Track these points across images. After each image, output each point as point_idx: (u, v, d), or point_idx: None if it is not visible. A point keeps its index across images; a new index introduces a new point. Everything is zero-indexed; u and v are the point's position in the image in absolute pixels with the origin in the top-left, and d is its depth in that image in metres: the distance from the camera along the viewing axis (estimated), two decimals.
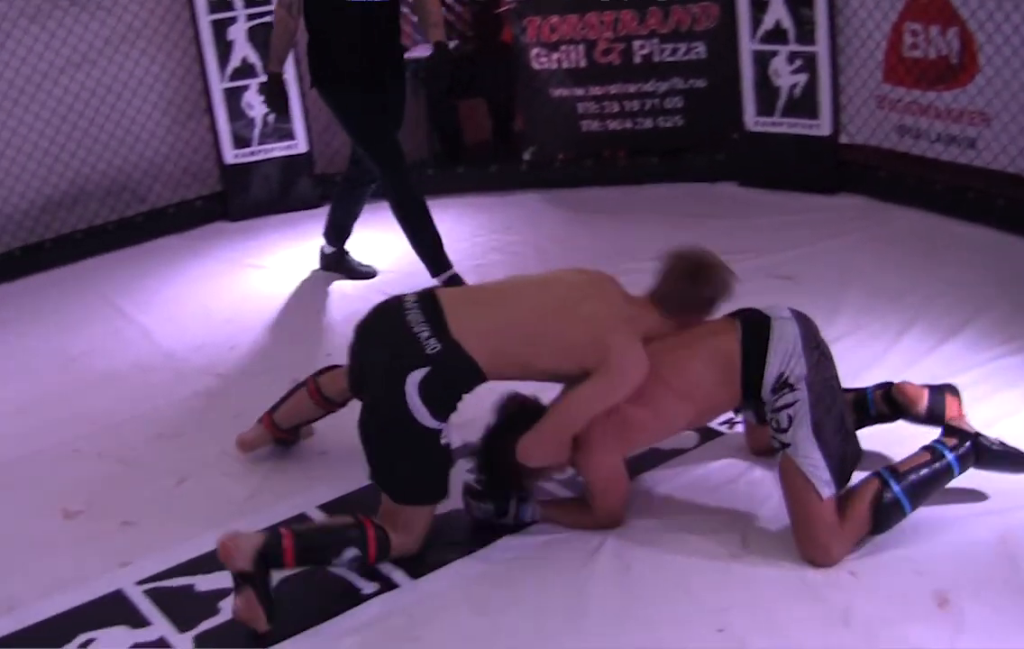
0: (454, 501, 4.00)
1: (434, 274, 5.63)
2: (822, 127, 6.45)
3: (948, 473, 3.60)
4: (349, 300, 5.78)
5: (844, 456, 3.55)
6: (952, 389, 3.89)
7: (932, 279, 5.29)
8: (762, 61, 6.51)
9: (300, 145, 7.14)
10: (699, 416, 3.83)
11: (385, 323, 3.82)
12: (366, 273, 6.04)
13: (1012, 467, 3.67)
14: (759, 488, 3.89)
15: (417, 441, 3.68)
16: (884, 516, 3.51)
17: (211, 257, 5.74)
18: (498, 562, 3.73)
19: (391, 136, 5.56)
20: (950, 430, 3.70)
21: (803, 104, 6.46)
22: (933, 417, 3.81)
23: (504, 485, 3.81)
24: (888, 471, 3.56)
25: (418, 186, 5.67)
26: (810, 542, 3.50)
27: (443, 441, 3.71)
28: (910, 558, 3.50)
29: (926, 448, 3.64)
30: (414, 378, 3.60)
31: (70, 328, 5.81)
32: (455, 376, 3.69)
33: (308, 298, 5.89)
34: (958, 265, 5.42)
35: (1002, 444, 3.69)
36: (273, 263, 6.13)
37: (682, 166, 6.96)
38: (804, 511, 3.50)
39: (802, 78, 6.44)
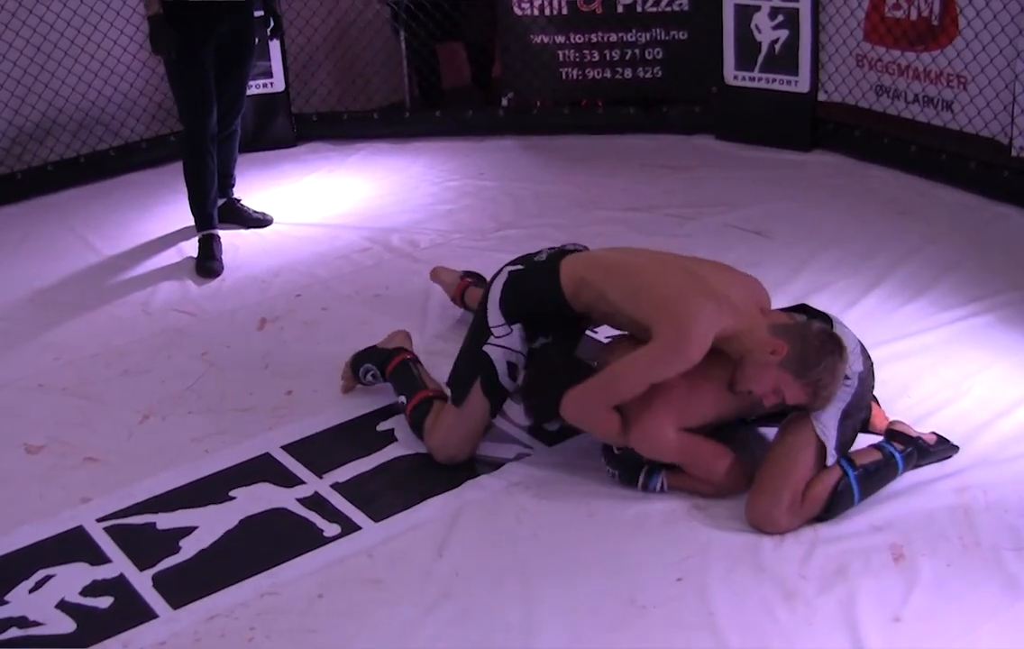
0: (419, 444, 4.03)
1: (197, 229, 5.64)
2: (801, 84, 6.43)
3: (894, 472, 3.65)
4: (315, 242, 5.78)
5: (845, 447, 3.62)
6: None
7: (903, 238, 5.31)
8: (744, 15, 6.48)
9: (277, 83, 7.08)
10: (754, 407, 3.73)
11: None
12: (260, 219, 6.02)
13: (945, 455, 3.76)
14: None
15: (475, 337, 3.90)
16: (837, 502, 3.53)
17: (184, 194, 5.68)
18: (460, 507, 3.74)
19: (200, 82, 5.42)
20: (894, 435, 3.74)
21: (783, 60, 6.44)
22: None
23: (546, 414, 3.80)
24: (845, 460, 3.58)
25: (207, 140, 5.53)
26: (768, 501, 3.51)
27: (492, 346, 3.84)
28: (869, 515, 3.54)
29: (876, 447, 3.68)
30: (510, 271, 3.90)
31: (38, 261, 5.76)
32: (539, 284, 3.83)
33: (278, 238, 5.86)
34: (929, 225, 5.44)
35: (936, 436, 3.78)
36: (247, 202, 6.08)
37: (660, 117, 6.93)
38: (788, 462, 3.52)
39: (784, 34, 6.42)
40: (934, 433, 3.79)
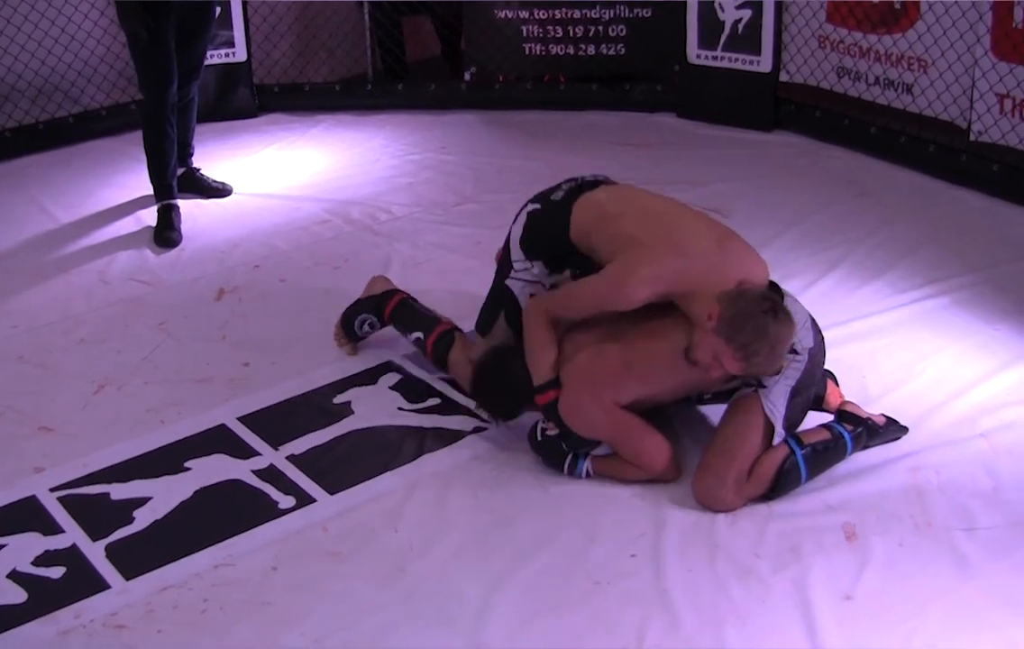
0: (376, 417, 4.02)
1: (156, 199, 5.61)
2: (763, 64, 6.45)
3: (843, 452, 3.67)
4: (274, 213, 5.75)
5: (793, 424, 3.63)
6: (831, 374, 3.94)
7: (861, 220, 5.35)
8: None
9: (239, 53, 7.03)
10: (698, 383, 3.64)
11: None
12: (220, 189, 5.99)
13: (894, 436, 3.78)
14: (676, 421, 3.94)
15: (499, 271, 4.06)
16: (784, 481, 3.54)
17: (143, 163, 5.63)
18: (418, 479, 3.74)
19: (161, 53, 5.37)
20: (845, 415, 3.76)
21: (746, 40, 6.46)
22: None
23: (501, 406, 3.84)
24: (793, 439, 3.59)
25: (167, 111, 5.49)
26: (715, 479, 3.52)
27: (513, 280, 3.99)
28: (822, 495, 3.57)
29: (825, 426, 3.70)
30: (528, 212, 3.99)
31: None
32: (551, 222, 3.91)
33: (237, 209, 5.83)
34: (887, 208, 5.47)
35: (885, 417, 3.80)
36: (208, 172, 6.04)
37: (622, 94, 6.94)
38: (736, 441, 3.53)
39: (747, 14, 6.43)
40: (883, 415, 3.81)
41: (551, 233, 3.92)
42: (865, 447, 3.71)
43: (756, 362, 3.39)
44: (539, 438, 3.73)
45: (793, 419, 3.60)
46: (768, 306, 3.39)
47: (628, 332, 3.65)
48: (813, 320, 3.68)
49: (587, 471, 3.68)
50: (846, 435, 3.66)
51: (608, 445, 3.67)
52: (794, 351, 3.52)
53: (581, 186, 3.97)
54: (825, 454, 3.62)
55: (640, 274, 3.56)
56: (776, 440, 3.54)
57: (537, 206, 3.99)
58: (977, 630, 3.05)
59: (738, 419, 3.57)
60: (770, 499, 3.54)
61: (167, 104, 5.48)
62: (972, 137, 5.63)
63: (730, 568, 3.29)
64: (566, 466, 3.70)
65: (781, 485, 3.54)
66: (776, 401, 3.53)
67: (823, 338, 3.72)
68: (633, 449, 3.63)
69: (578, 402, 3.62)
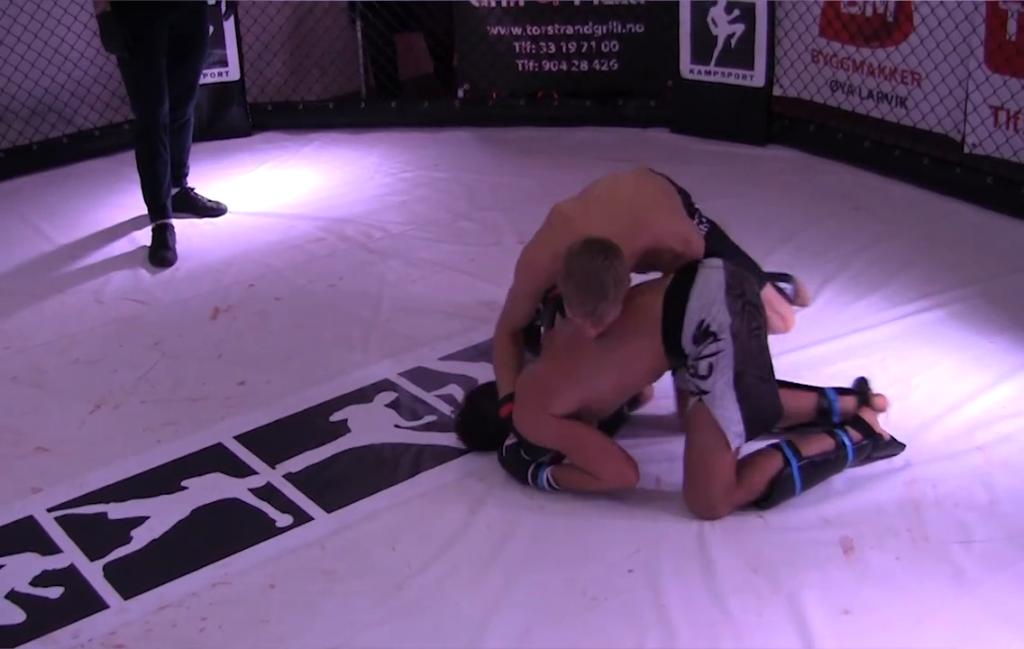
0: (372, 435, 4.02)
1: (151, 218, 5.61)
2: (756, 78, 6.46)
3: (843, 464, 3.64)
4: (268, 232, 5.75)
5: (762, 408, 3.54)
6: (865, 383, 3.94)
7: (855, 234, 5.35)
8: (701, 9, 6.50)
9: (232, 72, 7.04)
10: (626, 378, 3.67)
11: None
12: (214, 208, 5.99)
13: (892, 452, 3.76)
14: (674, 439, 3.94)
15: None
16: (777, 492, 3.54)
17: (137, 183, 5.63)
18: (414, 497, 3.74)
19: (151, 73, 5.38)
20: (859, 423, 3.73)
21: (739, 54, 6.47)
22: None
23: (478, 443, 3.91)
24: (790, 449, 3.57)
25: (159, 130, 5.49)
26: (702, 497, 3.53)
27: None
28: (819, 508, 3.57)
29: (830, 434, 3.67)
30: None
31: None
32: None
33: (232, 228, 5.83)
34: (881, 222, 5.48)
35: (892, 438, 3.76)
36: (201, 191, 6.04)
37: (615, 110, 6.95)
38: (706, 465, 3.51)
39: (739, 28, 6.44)
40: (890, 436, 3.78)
41: None
42: (866, 461, 3.70)
43: (575, 305, 3.46)
44: (503, 453, 3.77)
45: (754, 399, 3.49)
46: (579, 247, 3.46)
47: (570, 344, 3.68)
48: (730, 289, 3.50)
49: (548, 481, 3.69)
50: (849, 446, 3.64)
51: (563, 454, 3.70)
52: (713, 335, 3.45)
53: None
54: (824, 466, 3.61)
55: (530, 248, 3.86)
56: (732, 445, 3.47)
57: None
58: (974, 644, 3.05)
59: (699, 438, 3.53)
60: (763, 508, 3.54)
61: (158, 123, 5.48)
62: (966, 150, 5.64)
63: (727, 583, 3.29)
64: (529, 476, 3.71)
65: (774, 495, 3.54)
66: (724, 402, 3.45)
67: (749, 300, 3.53)
68: (583, 457, 3.65)
69: (524, 412, 3.67)
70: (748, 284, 3.58)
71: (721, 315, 3.47)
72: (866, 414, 3.78)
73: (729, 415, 3.47)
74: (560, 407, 3.61)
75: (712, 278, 3.53)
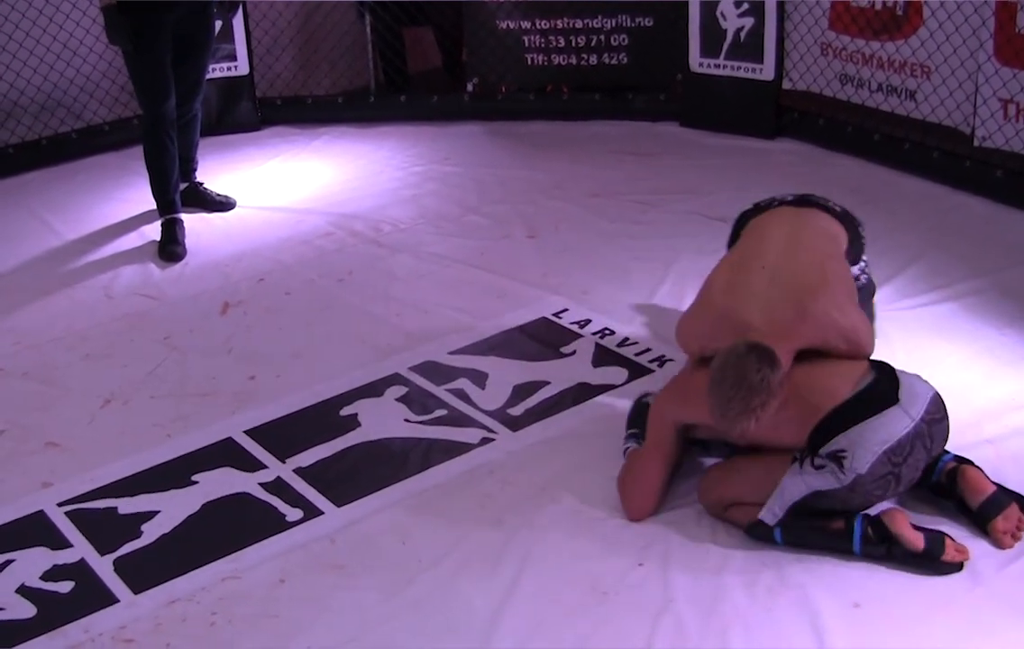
0: (383, 430, 4.02)
1: (159, 213, 5.62)
2: (766, 72, 6.44)
3: (842, 549, 3.34)
4: (278, 226, 5.75)
5: (799, 531, 3.36)
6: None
7: (865, 228, 5.30)
8: (710, 3, 6.49)
9: (241, 67, 7.04)
10: (754, 438, 3.40)
11: None
12: (223, 203, 5.99)
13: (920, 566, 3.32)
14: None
15: None
16: (754, 531, 3.39)
17: (146, 178, 5.64)
18: (424, 491, 3.74)
19: (156, 67, 5.39)
20: (878, 524, 3.32)
21: (748, 48, 6.45)
22: (980, 518, 3.39)
23: None
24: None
25: (166, 125, 5.51)
26: (706, 488, 3.53)
27: None
28: None
29: (846, 518, 3.34)
30: None
31: None
32: None
33: (241, 223, 5.83)
34: (892, 215, 5.46)
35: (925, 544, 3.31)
36: (210, 186, 6.05)
37: (625, 104, 6.94)
38: (739, 476, 3.46)
39: (749, 22, 6.43)
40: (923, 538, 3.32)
41: None
42: (883, 558, 3.34)
43: (713, 406, 3.28)
44: (641, 398, 3.87)
45: (805, 525, 3.35)
46: (736, 347, 3.29)
47: None
48: (893, 451, 3.27)
49: (625, 450, 3.73)
50: (856, 538, 3.31)
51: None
52: (838, 460, 3.26)
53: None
54: (815, 534, 3.37)
55: (681, 327, 3.81)
56: (765, 515, 3.34)
57: None
58: (984, 636, 3.05)
59: (759, 461, 3.43)
60: (748, 532, 3.42)
61: (165, 117, 5.48)
62: (976, 143, 5.62)
63: (737, 577, 3.29)
64: (627, 431, 3.81)
65: (753, 533, 3.40)
66: (790, 489, 3.32)
67: (896, 474, 3.30)
68: (633, 465, 3.62)
69: (665, 393, 3.69)
70: (915, 454, 3.33)
71: (860, 462, 3.27)
72: (897, 517, 3.33)
73: (784, 497, 3.34)
74: (686, 415, 3.54)
75: (892, 425, 3.30)
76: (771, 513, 3.34)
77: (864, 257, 4.14)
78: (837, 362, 3.45)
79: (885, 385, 3.38)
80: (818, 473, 3.29)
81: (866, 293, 4.14)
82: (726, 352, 3.31)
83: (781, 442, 3.38)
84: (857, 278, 3.99)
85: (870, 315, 4.04)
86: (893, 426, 3.29)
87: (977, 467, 3.46)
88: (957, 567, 3.25)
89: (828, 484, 3.28)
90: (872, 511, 3.36)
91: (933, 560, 3.25)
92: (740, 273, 3.68)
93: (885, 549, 3.28)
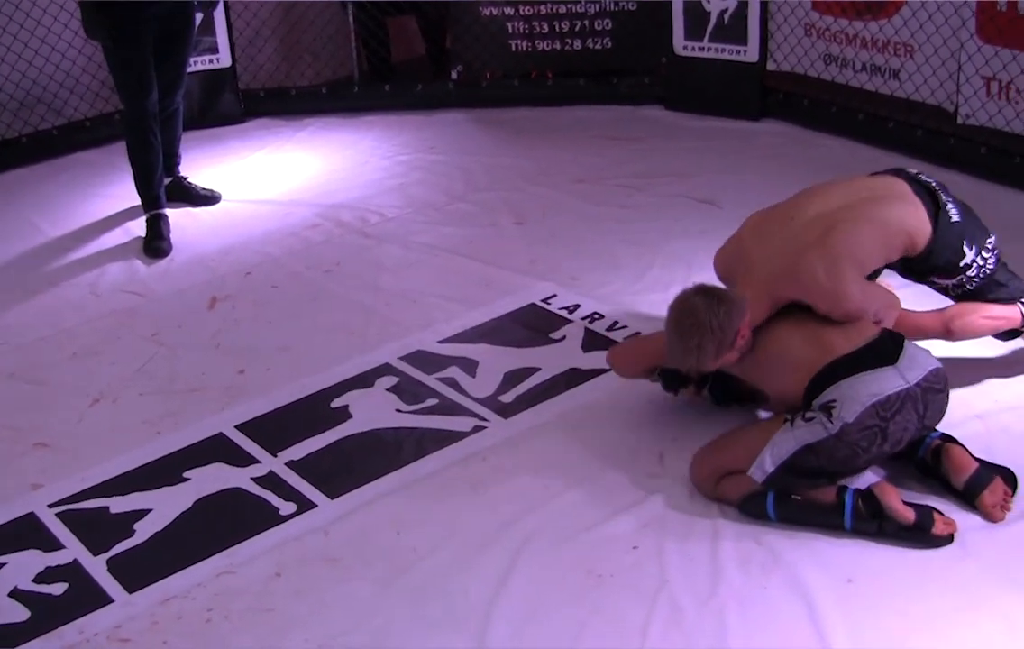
0: (374, 420, 4.02)
1: (144, 209, 5.61)
2: (750, 53, 6.44)
3: (833, 525, 3.36)
4: (264, 219, 5.73)
5: (788, 486, 3.40)
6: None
7: None
8: None
9: (223, 59, 7.00)
10: (753, 377, 3.63)
11: None
12: (208, 197, 5.97)
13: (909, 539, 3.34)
14: (679, 413, 3.95)
15: None
16: (748, 505, 3.42)
17: (130, 173, 5.61)
18: (418, 480, 3.74)
19: (137, 62, 5.37)
20: (870, 498, 3.34)
21: (732, 30, 6.45)
22: (967, 495, 3.41)
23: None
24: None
25: (148, 120, 5.49)
26: (698, 461, 3.57)
27: None
28: None
29: (837, 490, 3.38)
30: None
31: None
32: None
33: (227, 216, 5.81)
34: None
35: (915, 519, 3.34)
36: (195, 180, 6.03)
37: (609, 88, 6.93)
38: (730, 445, 3.52)
39: (732, 4, 6.42)
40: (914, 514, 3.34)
41: None
42: (874, 534, 3.36)
43: (665, 344, 3.57)
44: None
45: (794, 474, 3.37)
46: (687, 290, 3.53)
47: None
48: (880, 405, 3.33)
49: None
50: (848, 509, 3.34)
51: None
52: (827, 410, 3.33)
53: None
54: (806, 511, 3.40)
55: (717, 254, 3.95)
56: (750, 472, 3.40)
57: None
58: (976, 606, 3.07)
59: (751, 427, 3.60)
60: (739, 508, 3.44)
61: (147, 113, 5.46)
62: (959, 121, 5.63)
63: (731, 556, 3.30)
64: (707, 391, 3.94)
65: (745, 508, 3.43)
66: (781, 444, 3.38)
67: (883, 430, 3.34)
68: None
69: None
70: (904, 414, 3.37)
71: (849, 413, 3.33)
72: (888, 493, 3.34)
73: (774, 452, 3.38)
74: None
75: (886, 383, 3.37)
76: (760, 469, 3.40)
77: (990, 241, 4.03)
78: (845, 324, 3.53)
79: (886, 347, 3.46)
80: (808, 425, 3.36)
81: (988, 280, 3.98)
82: (680, 294, 3.54)
83: (776, 391, 3.58)
84: (969, 266, 3.93)
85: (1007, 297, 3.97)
86: (885, 382, 3.37)
87: (961, 445, 3.49)
88: (947, 540, 3.29)
89: (816, 435, 3.34)
90: (862, 485, 3.40)
91: (924, 533, 3.29)
92: (771, 218, 3.84)
93: (876, 525, 3.31)
